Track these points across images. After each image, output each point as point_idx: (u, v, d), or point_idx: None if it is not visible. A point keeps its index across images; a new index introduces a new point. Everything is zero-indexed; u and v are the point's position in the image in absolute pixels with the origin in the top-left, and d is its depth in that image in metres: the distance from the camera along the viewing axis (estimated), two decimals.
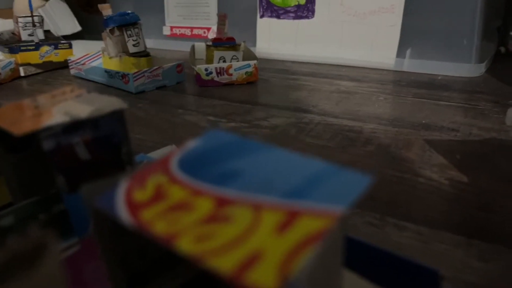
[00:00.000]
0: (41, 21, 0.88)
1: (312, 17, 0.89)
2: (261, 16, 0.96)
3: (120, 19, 0.71)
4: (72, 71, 0.85)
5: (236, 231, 0.12)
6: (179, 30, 1.11)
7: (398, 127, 0.51)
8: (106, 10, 0.72)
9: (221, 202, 0.13)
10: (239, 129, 0.52)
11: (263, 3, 0.95)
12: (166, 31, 1.13)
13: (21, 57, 0.83)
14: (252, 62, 0.72)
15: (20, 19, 0.86)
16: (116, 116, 0.25)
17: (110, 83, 0.75)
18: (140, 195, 0.14)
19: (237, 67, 0.72)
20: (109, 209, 0.13)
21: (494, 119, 0.53)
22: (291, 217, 0.12)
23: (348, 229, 0.31)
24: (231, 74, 0.72)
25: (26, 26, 0.86)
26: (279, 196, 0.13)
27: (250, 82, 0.74)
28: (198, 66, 0.72)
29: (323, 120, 0.54)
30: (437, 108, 0.57)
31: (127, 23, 0.71)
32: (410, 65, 0.79)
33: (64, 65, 0.89)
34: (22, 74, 0.85)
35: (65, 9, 1.18)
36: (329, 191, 0.13)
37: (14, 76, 0.83)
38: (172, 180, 0.15)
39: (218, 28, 0.75)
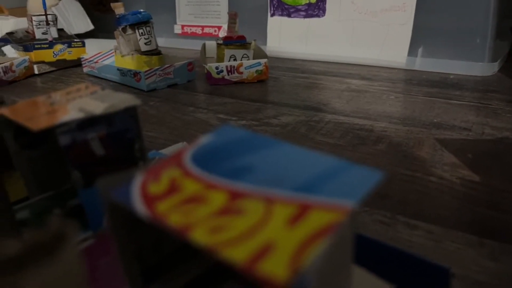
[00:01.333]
0: (55, 20, 0.90)
1: (323, 16, 0.89)
2: (272, 15, 0.96)
3: (132, 18, 0.71)
4: (85, 69, 0.86)
5: (249, 223, 0.12)
6: (190, 29, 1.11)
7: (409, 126, 0.51)
8: (119, 9, 0.73)
9: (234, 195, 0.13)
10: (250, 127, 0.52)
11: (274, 2, 0.95)
12: (177, 29, 1.14)
13: (35, 55, 0.84)
14: (263, 61, 0.73)
15: (34, 18, 0.87)
16: (130, 112, 0.26)
17: (122, 81, 0.76)
18: (155, 188, 0.14)
19: (248, 66, 0.72)
20: (125, 202, 0.14)
21: (507, 118, 0.52)
22: (302, 211, 0.12)
23: (359, 227, 0.31)
24: (241, 73, 0.72)
25: (40, 25, 0.88)
26: (291, 190, 0.13)
27: (260, 80, 0.74)
28: (209, 64, 0.72)
29: (333, 119, 0.54)
30: (449, 107, 0.57)
31: (139, 22, 0.72)
32: (422, 63, 0.78)
33: (77, 63, 0.90)
34: (36, 72, 0.86)
35: (78, 8, 1.19)
36: (340, 186, 0.13)
37: (28, 74, 0.84)
38: (186, 173, 0.15)
39: (228, 27, 0.75)
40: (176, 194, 0.14)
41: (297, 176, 0.14)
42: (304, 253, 0.11)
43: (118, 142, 0.26)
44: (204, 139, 0.17)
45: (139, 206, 0.13)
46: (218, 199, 0.13)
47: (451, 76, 0.73)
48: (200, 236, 0.12)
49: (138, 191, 0.14)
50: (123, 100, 0.25)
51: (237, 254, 0.11)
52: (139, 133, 0.26)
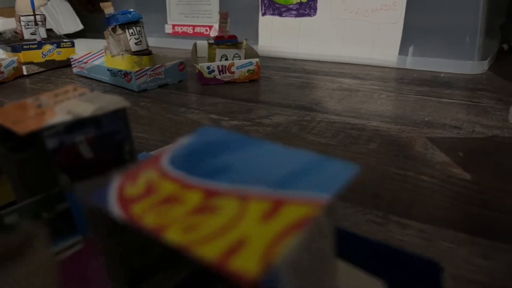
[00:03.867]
0: (44, 20, 0.89)
1: (314, 15, 0.89)
2: (263, 14, 0.96)
3: (122, 18, 0.71)
4: (75, 70, 0.85)
5: (223, 220, 0.12)
6: (181, 28, 1.11)
7: (401, 124, 0.51)
8: (108, 9, 0.73)
9: (210, 194, 0.14)
10: (242, 127, 0.52)
11: (265, 1, 0.94)
12: (168, 29, 1.13)
13: (23, 55, 0.83)
14: (254, 60, 0.72)
15: (22, 18, 0.86)
16: (119, 114, 0.25)
17: (113, 82, 0.75)
18: (132, 191, 0.14)
19: (239, 65, 0.72)
20: (101, 205, 0.14)
21: (497, 116, 0.52)
22: (277, 206, 0.12)
23: (350, 226, 0.31)
24: (233, 72, 0.72)
25: (28, 25, 0.87)
26: (266, 187, 0.14)
27: (252, 80, 0.74)
28: (200, 64, 0.72)
29: (325, 118, 0.54)
30: (440, 106, 0.57)
31: (129, 22, 0.71)
32: (413, 62, 0.79)
33: (66, 64, 0.89)
34: (24, 72, 0.85)
35: (67, 8, 1.18)
36: (316, 180, 0.14)
37: (17, 75, 0.83)
38: (163, 175, 0.15)
39: (220, 26, 0.75)
40: (152, 195, 0.14)
41: (273, 173, 0.14)
42: (277, 247, 0.11)
43: (107, 144, 0.25)
44: (183, 141, 0.17)
45: (115, 208, 0.13)
46: (193, 198, 0.13)
47: (442, 75, 0.74)
48: (173, 236, 0.12)
49: (115, 194, 0.14)
50: (112, 102, 0.25)
51: (209, 251, 0.11)
52: (129, 135, 0.26)
